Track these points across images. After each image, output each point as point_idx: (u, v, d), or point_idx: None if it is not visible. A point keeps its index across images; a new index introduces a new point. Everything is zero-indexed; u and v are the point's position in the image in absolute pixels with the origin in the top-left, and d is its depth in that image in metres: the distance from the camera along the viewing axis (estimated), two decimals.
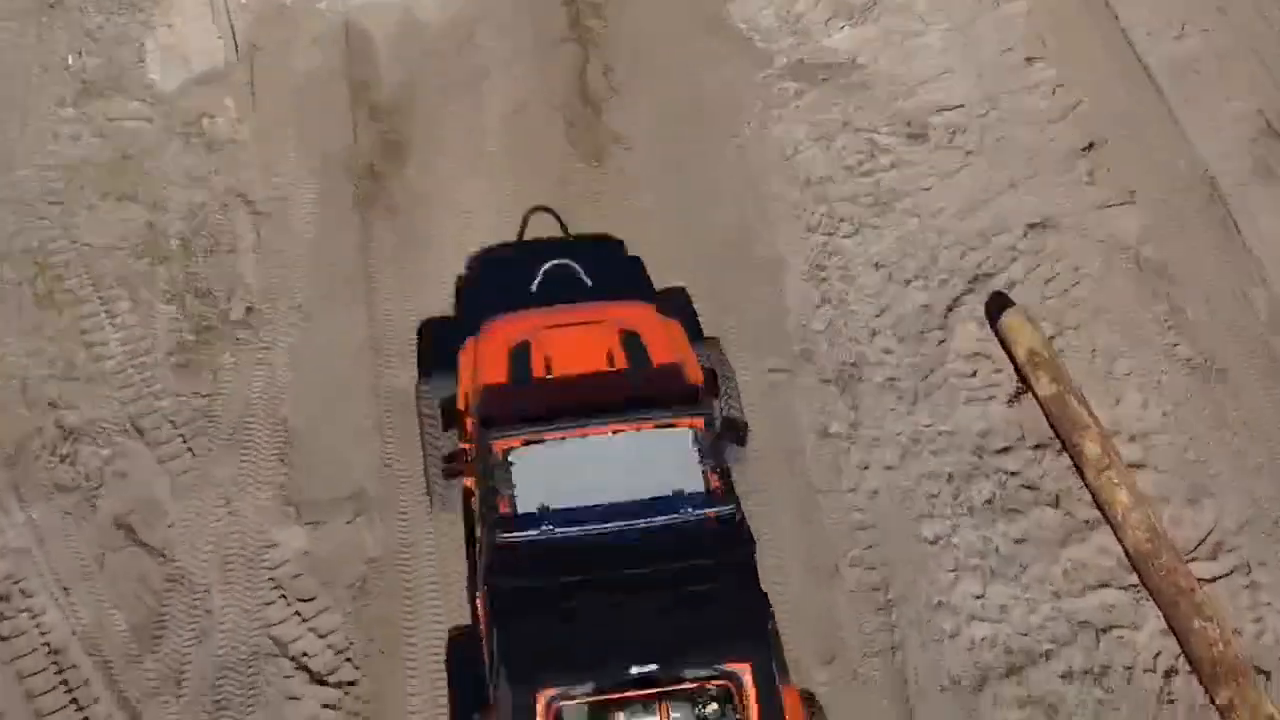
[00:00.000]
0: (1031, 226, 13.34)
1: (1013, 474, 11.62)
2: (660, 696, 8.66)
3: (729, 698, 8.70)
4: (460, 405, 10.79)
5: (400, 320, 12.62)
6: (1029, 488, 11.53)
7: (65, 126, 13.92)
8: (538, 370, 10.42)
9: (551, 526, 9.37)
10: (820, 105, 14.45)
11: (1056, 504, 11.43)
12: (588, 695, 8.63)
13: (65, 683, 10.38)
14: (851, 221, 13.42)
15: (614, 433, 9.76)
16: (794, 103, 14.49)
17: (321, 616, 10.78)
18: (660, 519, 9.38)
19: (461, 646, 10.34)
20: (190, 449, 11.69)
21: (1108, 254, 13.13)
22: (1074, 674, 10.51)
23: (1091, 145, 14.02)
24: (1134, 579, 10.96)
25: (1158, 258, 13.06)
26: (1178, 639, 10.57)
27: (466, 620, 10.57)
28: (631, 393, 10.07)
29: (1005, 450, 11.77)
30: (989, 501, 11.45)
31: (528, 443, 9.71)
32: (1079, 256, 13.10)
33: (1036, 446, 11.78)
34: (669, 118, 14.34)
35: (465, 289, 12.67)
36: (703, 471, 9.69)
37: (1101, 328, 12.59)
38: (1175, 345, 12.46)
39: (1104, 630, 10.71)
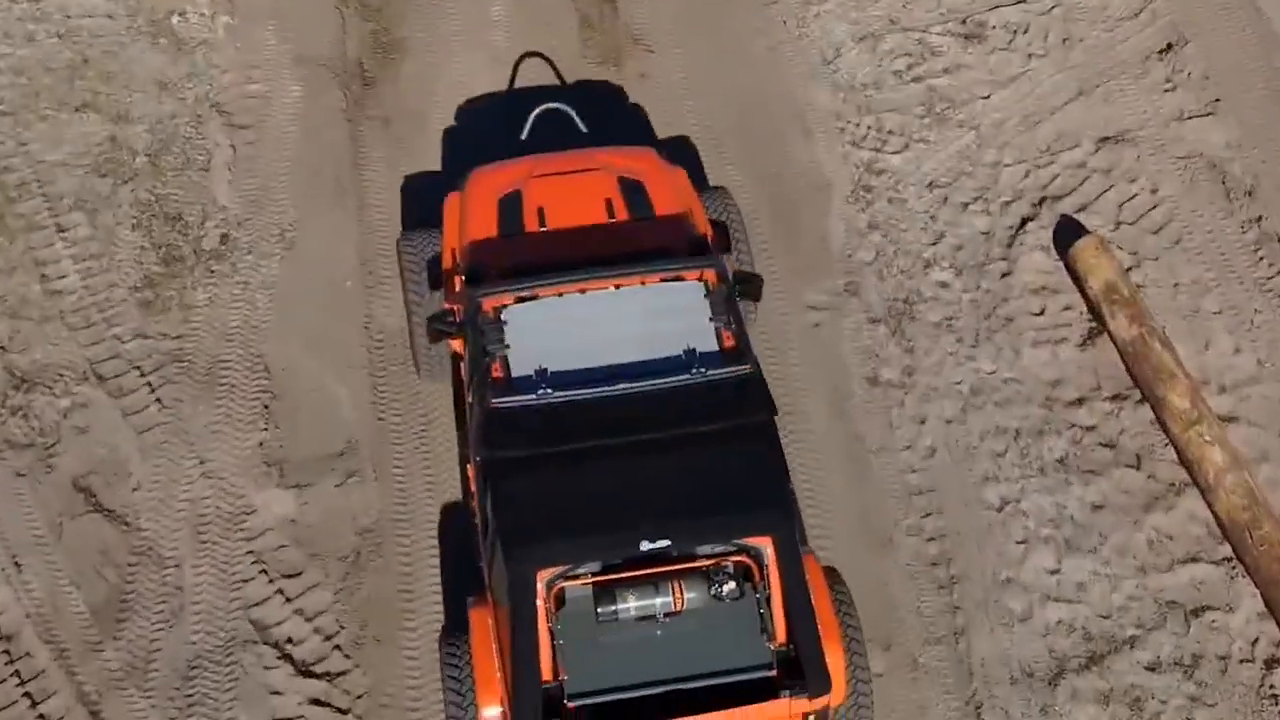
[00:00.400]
0: (1103, 140, 11.86)
1: (1088, 429, 10.28)
2: (673, 575, 7.79)
3: (748, 575, 7.87)
4: (446, 262, 9.80)
5: (395, 244, 11.20)
6: (1107, 445, 10.19)
7: (16, 24, 12.35)
8: (530, 222, 9.56)
9: (549, 390, 8.31)
10: (864, 1, 12.87)
11: (1138, 465, 10.10)
12: (593, 575, 7.81)
13: (17, 674, 9.13)
14: (901, 135, 11.94)
15: (616, 287, 8.78)
16: None
17: (308, 595, 9.51)
18: (670, 380, 8.33)
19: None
20: (159, 399, 10.34)
21: (1190, 172, 11.66)
22: (1162, 664, 9.25)
23: (1169, 46, 12.47)
24: (1227, 551, 9.67)
25: (1246, 176, 11.60)
26: (1279, 624, 9.32)
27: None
28: (634, 245, 9.20)
29: (1079, 402, 10.42)
30: (1062, 461, 10.12)
31: (521, 299, 8.76)
32: (1158, 175, 11.63)
33: (1114, 397, 10.43)
34: (694, 15, 12.78)
35: (451, 140, 11.55)
36: (716, 329, 8.66)
37: (1185, 258, 11.17)
38: (1270, 278, 11.05)
39: (1195, 612, 9.44)
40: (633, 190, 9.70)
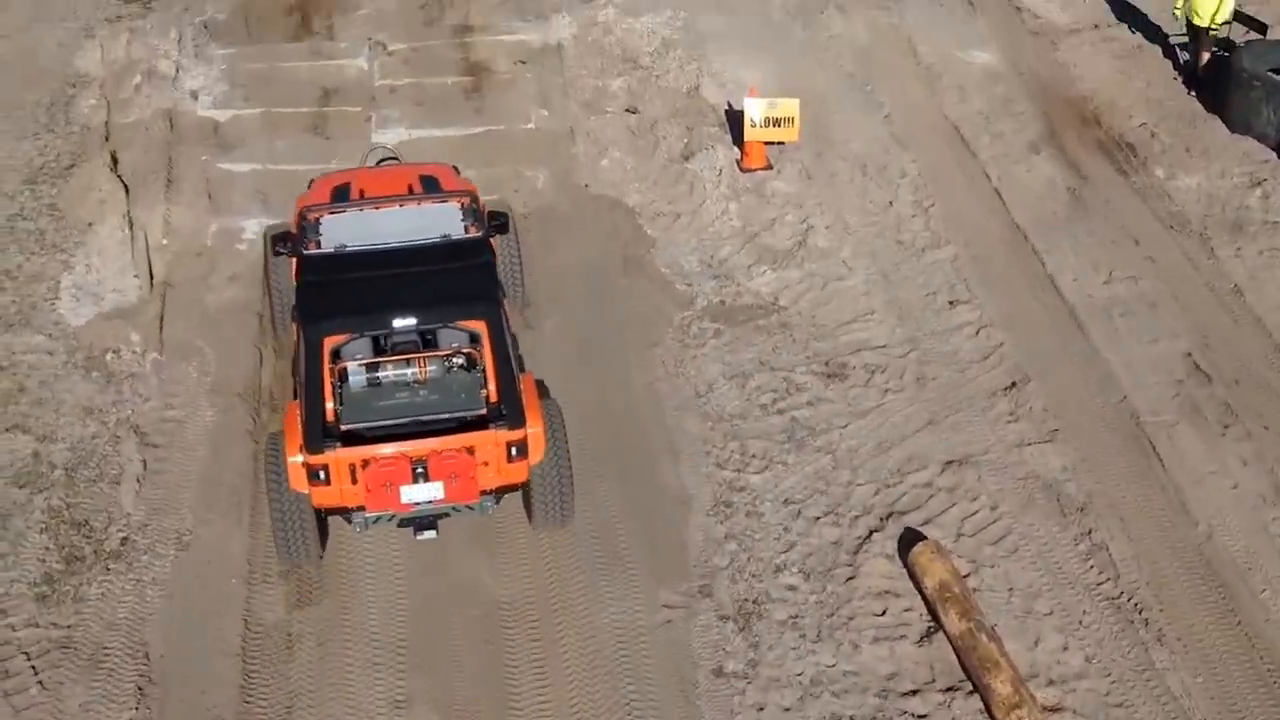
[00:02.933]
0: (949, 463, 12.84)
1: (920, 717, 10.79)
2: (420, 359, 11.60)
3: (473, 363, 11.56)
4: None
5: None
6: None
7: None
8: (354, 196, 13.42)
9: (345, 245, 12.61)
10: (738, 345, 14.18)
11: None
12: (366, 357, 11.61)
13: None
14: (763, 458, 12.94)
15: (400, 206, 13.01)
16: (711, 341, 14.22)
17: None
18: (425, 240, 12.61)
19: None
20: (40, 682, 10.96)
21: (1028, 491, 12.58)
22: None
23: (1014, 384, 13.64)
24: None
25: (1080, 495, 12.51)
26: None
27: None
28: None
29: (913, 693, 10.97)
30: None
31: (334, 214, 12.94)
32: (998, 493, 12.55)
33: (947, 689, 10.98)
34: (584, 355, 14.04)
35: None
36: (465, 225, 12.93)
37: (1020, 565, 11.93)
38: (1100, 584, 11.76)
39: None
40: (430, 181, 13.76)
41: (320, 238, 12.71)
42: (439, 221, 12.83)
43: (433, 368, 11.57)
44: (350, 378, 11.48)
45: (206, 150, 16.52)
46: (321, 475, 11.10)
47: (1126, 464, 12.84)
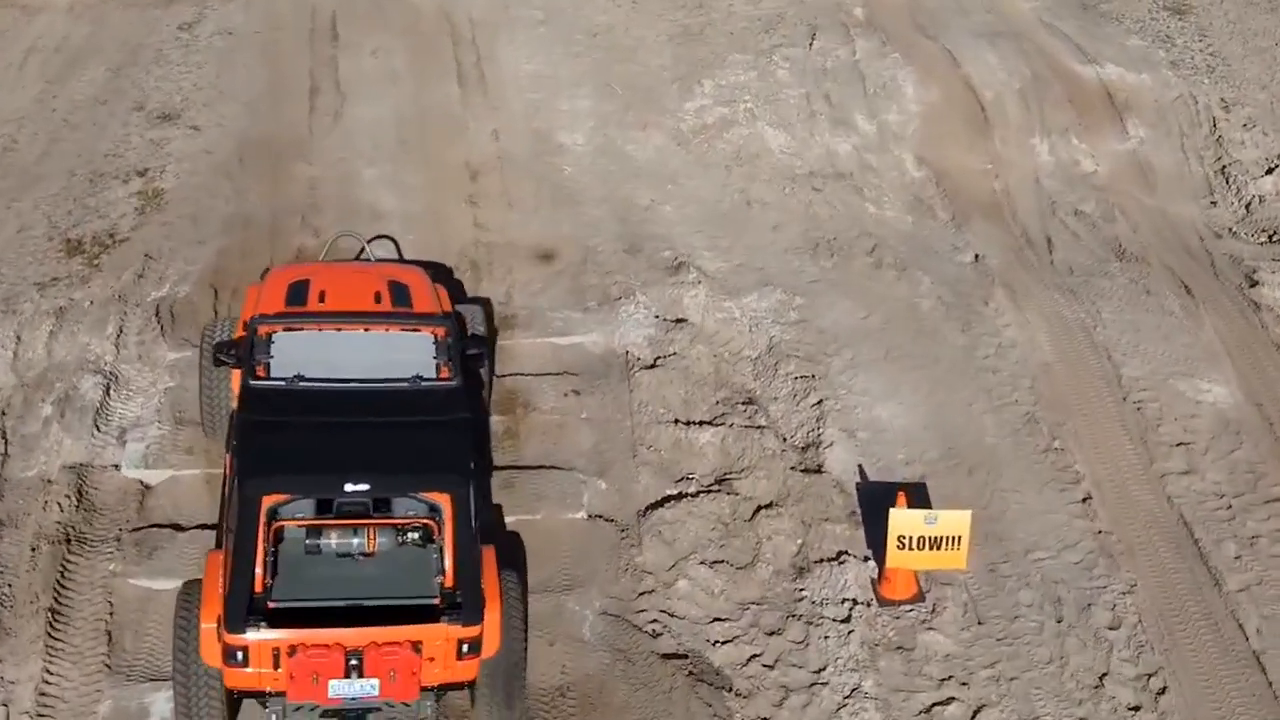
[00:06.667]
0: None
1: None
2: (369, 526, 9.98)
3: (430, 536, 9.99)
4: (238, 333, 11.80)
5: None
6: None
7: None
8: (313, 301, 11.69)
9: (299, 374, 10.95)
10: None
11: None
12: (307, 517, 10.00)
13: None
14: None
15: (365, 330, 11.36)
16: None
17: None
18: (393, 384, 11.03)
19: None
20: None
21: None
22: None
23: None
24: None
25: None
26: None
27: None
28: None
29: None
30: None
31: (289, 329, 11.25)
32: None
33: None
34: None
35: None
36: (438, 364, 11.32)
37: None
38: None
39: None
40: (399, 288, 11.98)
41: (271, 360, 11.13)
42: (410, 357, 11.25)
43: (383, 538, 10.01)
44: (286, 541, 9.95)
45: (117, 553, 11.62)
46: (239, 656, 9.52)
47: None
